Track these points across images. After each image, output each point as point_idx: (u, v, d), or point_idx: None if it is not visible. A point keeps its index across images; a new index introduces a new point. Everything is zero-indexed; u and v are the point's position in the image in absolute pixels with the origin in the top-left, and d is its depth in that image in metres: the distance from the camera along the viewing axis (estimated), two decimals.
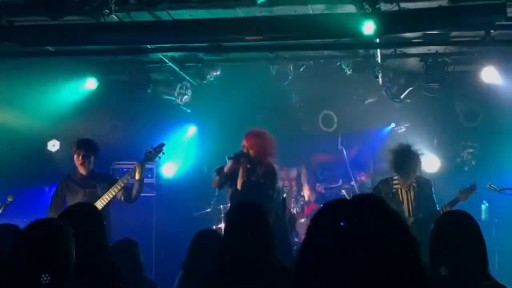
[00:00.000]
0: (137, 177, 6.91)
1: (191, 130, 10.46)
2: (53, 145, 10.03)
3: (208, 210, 9.27)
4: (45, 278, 3.94)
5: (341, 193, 9.42)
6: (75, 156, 6.82)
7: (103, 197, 6.68)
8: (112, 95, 9.83)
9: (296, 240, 8.95)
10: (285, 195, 8.01)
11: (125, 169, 9.99)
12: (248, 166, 6.86)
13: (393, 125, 10.02)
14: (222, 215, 9.00)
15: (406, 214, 6.36)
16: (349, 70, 8.82)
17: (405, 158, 6.46)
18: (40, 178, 10.14)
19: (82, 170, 6.83)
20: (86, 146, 6.84)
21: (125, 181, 6.84)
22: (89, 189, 6.79)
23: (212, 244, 4.49)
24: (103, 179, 6.95)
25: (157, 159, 7.21)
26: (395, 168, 6.54)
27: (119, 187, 6.75)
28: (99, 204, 6.56)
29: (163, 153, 7.16)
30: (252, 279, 3.44)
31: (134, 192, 6.95)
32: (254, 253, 3.50)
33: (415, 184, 6.46)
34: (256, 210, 3.78)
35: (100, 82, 9.43)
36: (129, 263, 4.53)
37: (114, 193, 6.71)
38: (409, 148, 6.56)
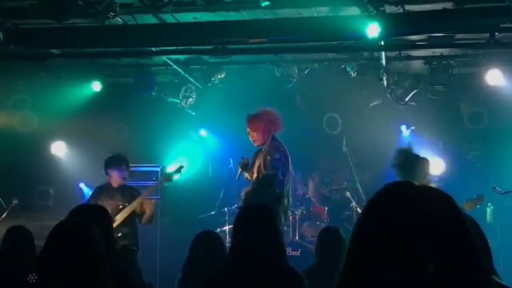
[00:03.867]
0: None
1: (196, 132, 10.46)
2: (58, 148, 10.05)
3: (213, 212, 9.28)
4: (32, 278, 3.91)
5: (345, 196, 9.37)
6: (117, 172, 6.93)
7: (125, 209, 6.89)
8: (116, 98, 9.84)
9: (301, 242, 8.94)
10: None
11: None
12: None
13: (404, 127, 9.93)
14: (227, 218, 9.01)
15: None
16: (353, 72, 8.81)
17: (405, 166, 6.27)
18: (45, 180, 10.18)
19: (119, 184, 6.98)
20: (127, 162, 7.04)
21: (145, 196, 7.03)
22: (121, 202, 6.96)
23: (211, 245, 4.53)
24: (130, 193, 7.11)
25: (174, 178, 7.40)
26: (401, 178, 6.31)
27: (139, 201, 6.95)
28: (122, 215, 6.80)
29: (181, 173, 7.49)
30: (260, 279, 3.47)
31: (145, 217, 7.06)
32: (263, 253, 3.52)
33: None
34: (264, 212, 3.80)
35: (104, 85, 9.44)
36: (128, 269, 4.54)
37: (133, 208, 6.91)
38: (407, 153, 6.21)
